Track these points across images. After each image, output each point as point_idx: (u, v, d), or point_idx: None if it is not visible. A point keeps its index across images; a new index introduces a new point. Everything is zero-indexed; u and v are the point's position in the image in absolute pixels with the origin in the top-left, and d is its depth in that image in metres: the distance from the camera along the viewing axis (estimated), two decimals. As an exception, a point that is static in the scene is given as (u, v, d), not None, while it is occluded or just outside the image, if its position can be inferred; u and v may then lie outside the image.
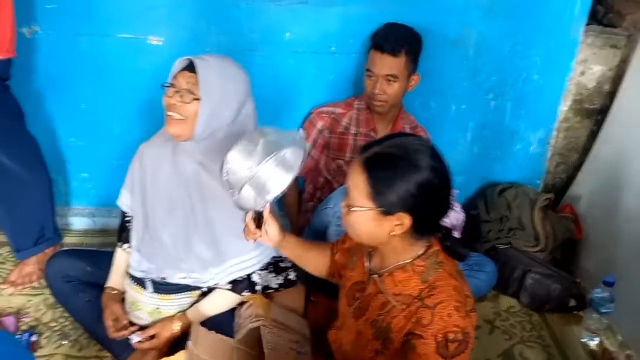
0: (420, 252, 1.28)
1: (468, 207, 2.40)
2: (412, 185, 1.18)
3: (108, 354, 1.78)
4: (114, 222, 1.88)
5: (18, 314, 1.95)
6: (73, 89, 2.17)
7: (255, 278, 1.68)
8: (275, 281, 1.72)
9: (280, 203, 2.19)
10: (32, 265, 2.10)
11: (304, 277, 1.82)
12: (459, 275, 1.29)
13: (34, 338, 1.84)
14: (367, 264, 1.39)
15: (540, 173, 2.57)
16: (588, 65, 2.37)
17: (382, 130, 2.14)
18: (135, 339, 1.66)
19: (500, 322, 2.09)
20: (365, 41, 2.11)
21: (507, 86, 2.33)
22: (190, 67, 1.51)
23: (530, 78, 2.33)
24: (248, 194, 1.47)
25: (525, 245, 2.30)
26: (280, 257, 1.72)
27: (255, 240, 1.52)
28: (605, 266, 2.11)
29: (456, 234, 1.28)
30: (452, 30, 2.19)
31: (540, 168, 2.56)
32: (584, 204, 2.39)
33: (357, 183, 1.22)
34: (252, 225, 1.49)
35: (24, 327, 1.90)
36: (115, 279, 1.79)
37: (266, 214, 1.46)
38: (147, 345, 1.65)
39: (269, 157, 1.35)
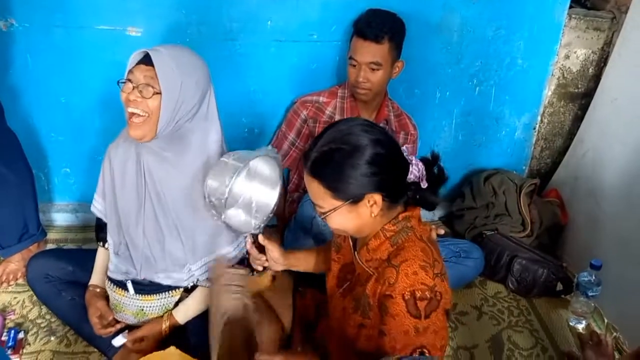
0: (391, 217, 1.29)
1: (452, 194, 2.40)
2: (363, 167, 1.19)
3: (96, 350, 1.77)
4: (97, 217, 1.86)
5: (4, 311, 1.94)
6: (52, 83, 2.13)
7: None
8: None
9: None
10: (16, 262, 2.08)
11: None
12: (430, 241, 1.31)
13: (20, 335, 1.83)
14: (351, 243, 1.41)
15: (526, 159, 2.58)
16: (572, 49, 2.37)
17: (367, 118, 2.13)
18: (121, 341, 1.65)
19: (488, 308, 2.10)
20: (348, 28, 2.09)
21: (491, 71, 2.32)
22: (146, 60, 1.44)
23: (514, 63, 2.32)
24: (238, 216, 1.47)
25: (511, 231, 2.31)
26: None
27: (262, 267, 1.52)
28: (591, 250, 2.13)
29: (423, 185, 1.30)
30: (435, 15, 2.17)
31: (526, 154, 2.56)
32: (569, 188, 2.40)
33: (315, 191, 1.24)
34: (254, 252, 1.49)
35: (10, 325, 1.89)
36: (98, 277, 1.77)
37: (262, 238, 1.46)
38: (135, 347, 1.64)
39: (238, 171, 1.39)
